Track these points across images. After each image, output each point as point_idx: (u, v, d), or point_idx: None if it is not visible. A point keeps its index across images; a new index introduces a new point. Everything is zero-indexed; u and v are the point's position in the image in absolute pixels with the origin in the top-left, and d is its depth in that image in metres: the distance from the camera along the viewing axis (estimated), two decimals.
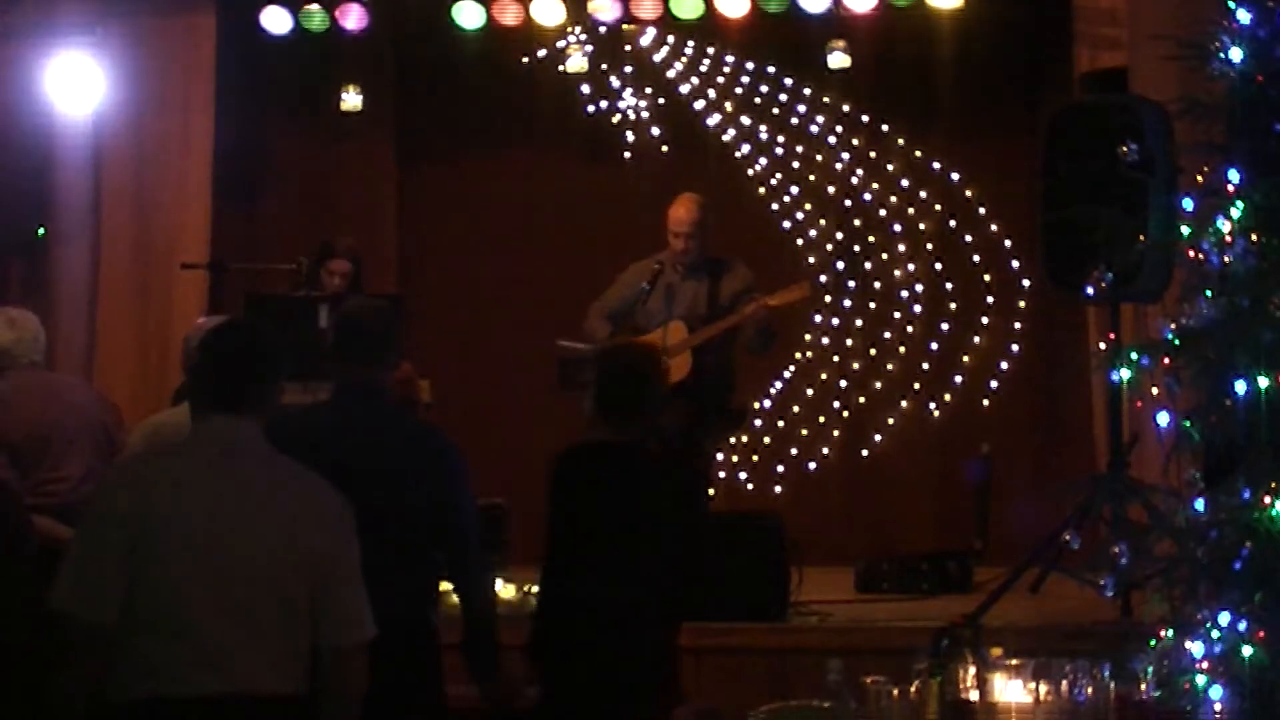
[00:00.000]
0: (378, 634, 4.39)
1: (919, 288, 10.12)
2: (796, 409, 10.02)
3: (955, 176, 10.10)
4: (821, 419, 10.10)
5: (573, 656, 5.37)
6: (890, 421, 10.06)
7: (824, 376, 10.15)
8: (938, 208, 10.11)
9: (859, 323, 10.17)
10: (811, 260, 10.17)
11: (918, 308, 10.12)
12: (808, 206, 10.24)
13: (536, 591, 5.62)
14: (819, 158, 10.24)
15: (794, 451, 9.98)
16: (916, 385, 10.08)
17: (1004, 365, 10.00)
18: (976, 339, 10.02)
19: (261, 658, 4.10)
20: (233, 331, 4.49)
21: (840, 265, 10.20)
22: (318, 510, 4.28)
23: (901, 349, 10.13)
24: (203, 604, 4.06)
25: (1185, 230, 4.52)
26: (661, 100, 10.29)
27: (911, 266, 10.14)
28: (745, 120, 10.26)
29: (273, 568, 4.13)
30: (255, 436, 4.30)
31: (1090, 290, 6.79)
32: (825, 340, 10.17)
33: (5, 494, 5.21)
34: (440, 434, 5.36)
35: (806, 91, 10.22)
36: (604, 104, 10.31)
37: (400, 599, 4.90)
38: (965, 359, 10.02)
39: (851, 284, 10.19)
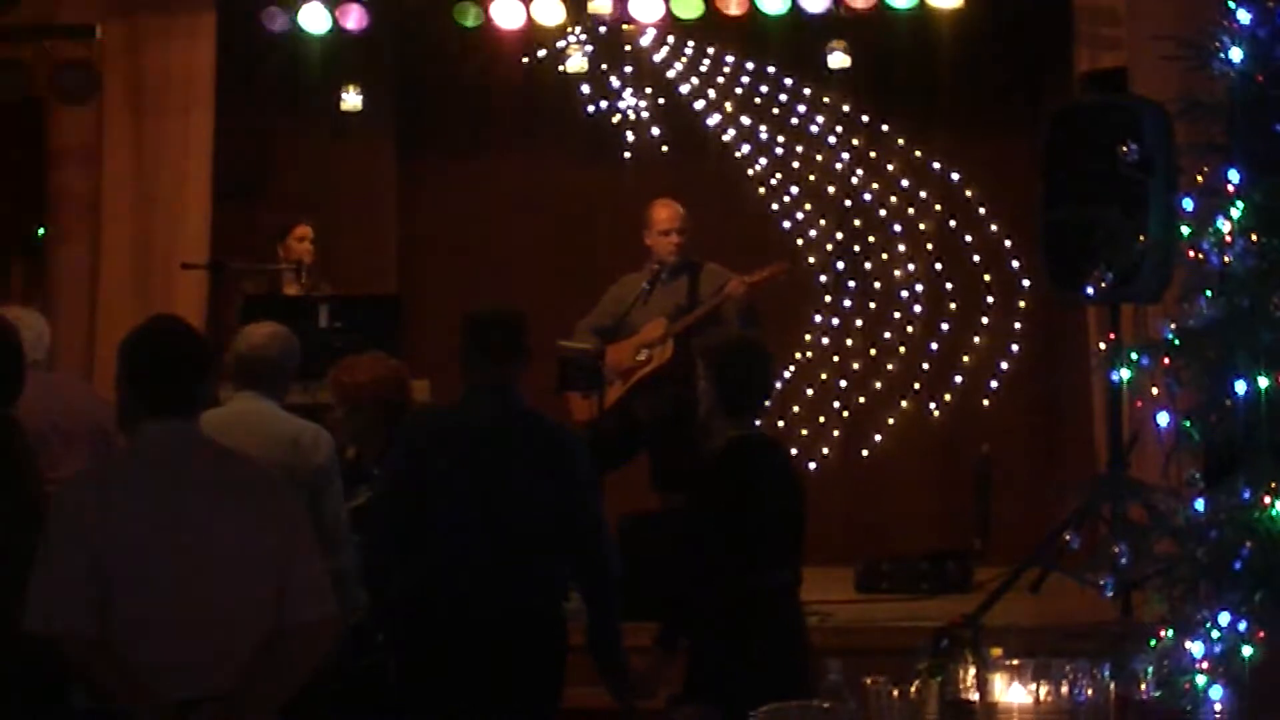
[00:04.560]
0: (509, 625, 4.82)
1: (919, 288, 10.12)
2: (796, 409, 10.02)
3: (955, 176, 10.10)
4: (821, 419, 10.09)
5: (772, 639, 5.40)
6: (890, 421, 10.06)
7: (824, 376, 10.14)
8: (938, 208, 10.11)
9: (859, 323, 10.17)
10: (811, 260, 10.17)
11: (918, 308, 10.12)
12: (808, 206, 10.23)
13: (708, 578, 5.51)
14: (819, 158, 10.24)
15: (794, 451, 9.97)
16: (916, 385, 10.08)
17: (1004, 365, 10.00)
18: (976, 339, 10.02)
19: (230, 660, 4.09)
20: (170, 334, 4.36)
21: (840, 265, 10.20)
22: (273, 501, 4.27)
23: (901, 349, 10.13)
24: (168, 610, 4.04)
25: (1185, 230, 4.51)
26: (661, 100, 10.29)
27: (911, 266, 10.14)
28: (745, 120, 10.26)
29: (235, 568, 4.12)
30: (202, 438, 4.29)
31: (1090, 290, 6.79)
32: (825, 340, 10.17)
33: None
34: (569, 432, 5.55)
35: (806, 91, 10.22)
36: (604, 104, 10.31)
37: (529, 592, 5.15)
38: (965, 359, 10.02)
39: (851, 284, 10.19)
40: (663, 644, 5.49)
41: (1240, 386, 4.29)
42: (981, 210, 10.04)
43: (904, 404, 10.07)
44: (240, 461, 4.36)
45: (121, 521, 4.06)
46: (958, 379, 10.02)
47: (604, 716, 6.34)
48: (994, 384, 9.98)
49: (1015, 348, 10.00)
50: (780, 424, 10.04)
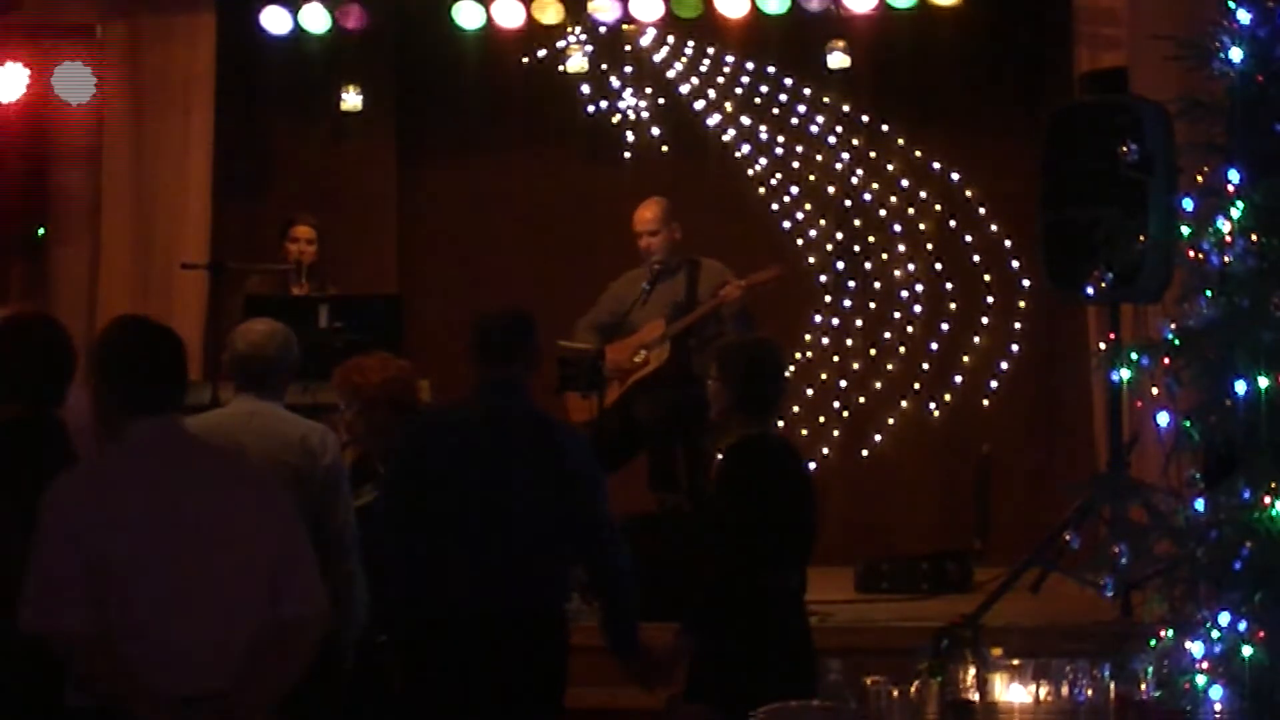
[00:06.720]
0: (511, 625, 4.90)
1: (919, 288, 10.11)
2: (796, 409, 10.01)
3: (955, 176, 10.09)
4: (821, 419, 10.09)
5: (777, 641, 5.40)
6: (890, 421, 10.05)
7: (824, 376, 10.14)
8: (938, 208, 10.10)
9: (859, 323, 10.17)
10: (811, 260, 10.17)
11: (918, 308, 10.12)
12: (808, 206, 10.23)
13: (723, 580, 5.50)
14: (819, 158, 10.23)
15: None
16: (916, 385, 10.07)
17: (1004, 365, 9.99)
18: (976, 339, 10.02)
19: (226, 655, 4.09)
20: (149, 333, 4.36)
21: (840, 265, 10.20)
22: (263, 495, 4.28)
23: (901, 349, 10.12)
24: (163, 607, 4.04)
25: (1185, 230, 4.52)
26: (661, 100, 10.28)
27: (911, 266, 10.13)
28: (745, 120, 10.25)
29: (229, 563, 4.12)
30: (189, 434, 4.29)
31: (1090, 290, 6.80)
32: (825, 340, 10.16)
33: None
34: (571, 431, 5.61)
35: (806, 91, 10.22)
36: (604, 104, 10.30)
37: (531, 591, 5.17)
38: (965, 359, 10.02)
39: (851, 284, 10.19)
40: (688, 630, 5.48)
41: (1240, 386, 4.30)
42: (981, 210, 10.03)
43: (904, 404, 10.06)
44: (230, 457, 4.37)
45: (115, 518, 4.07)
46: (958, 379, 10.02)
47: (603, 716, 6.34)
48: (994, 384, 9.97)
49: (1015, 348, 9.99)
50: (780, 424, 10.03)
